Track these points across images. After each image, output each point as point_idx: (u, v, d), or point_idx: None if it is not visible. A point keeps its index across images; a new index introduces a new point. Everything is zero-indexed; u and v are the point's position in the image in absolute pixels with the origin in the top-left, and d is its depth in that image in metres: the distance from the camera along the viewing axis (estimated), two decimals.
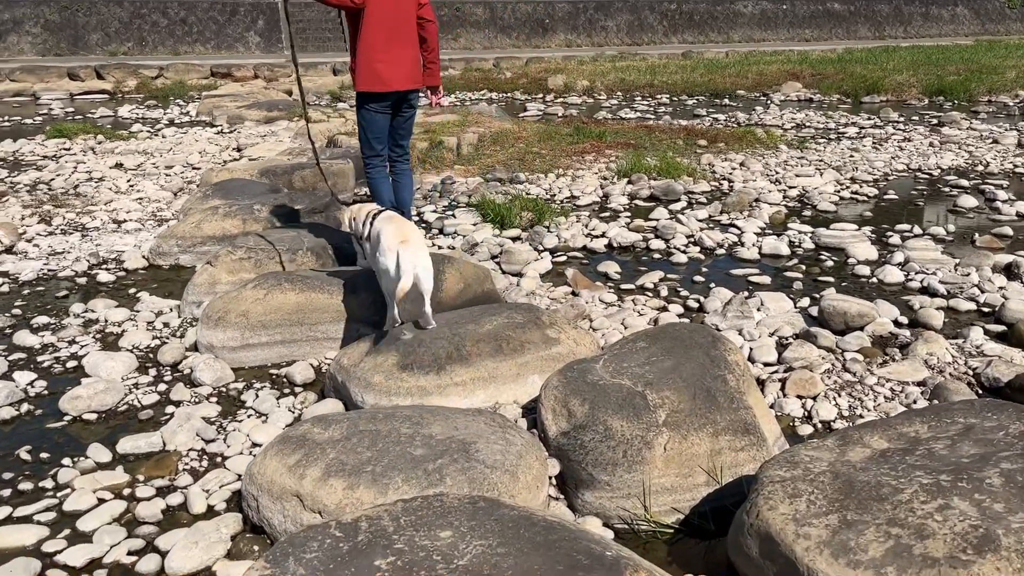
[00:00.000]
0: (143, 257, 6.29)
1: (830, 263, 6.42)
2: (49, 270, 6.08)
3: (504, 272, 6.30)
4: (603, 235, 7.33)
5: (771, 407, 4.10)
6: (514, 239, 7.19)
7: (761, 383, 4.34)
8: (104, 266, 6.22)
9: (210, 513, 3.15)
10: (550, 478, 3.25)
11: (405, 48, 4.99)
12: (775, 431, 3.62)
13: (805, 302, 5.54)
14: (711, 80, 19.07)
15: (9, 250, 6.55)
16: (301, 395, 4.09)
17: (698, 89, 18.37)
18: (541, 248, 6.92)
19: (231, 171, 8.08)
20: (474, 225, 7.55)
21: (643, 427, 3.17)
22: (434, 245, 7.00)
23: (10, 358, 4.53)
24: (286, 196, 6.86)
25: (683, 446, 3.17)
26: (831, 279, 6.03)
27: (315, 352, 4.52)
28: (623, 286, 5.99)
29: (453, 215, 7.90)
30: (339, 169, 8.29)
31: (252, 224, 6.33)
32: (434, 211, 8.15)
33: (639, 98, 17.74)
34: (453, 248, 6.88)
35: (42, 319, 5.11)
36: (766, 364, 4.59)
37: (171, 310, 5.25)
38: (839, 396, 4.15)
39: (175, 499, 3.22)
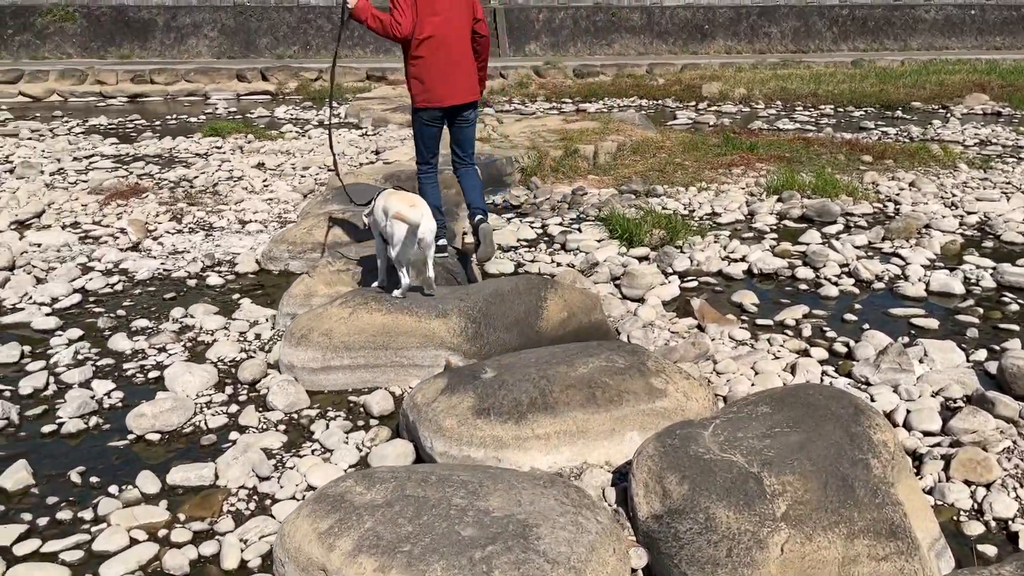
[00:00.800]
0: (255, 261, 6.13)
1: (1015, 307, 5.38)
2: (164, 270, 6.01)
3: (624, 296, 5.67)
4: (743, 259, 6.55)
5: (929, 493, 3.29)
6: (640, 259, 6.54)
7: (918, 459, 3.52)
8: (217, 268, 6.10)
9: (242, 570, 2.76)
10: (635, 571, 2.65)
11: (459, 64, 4.90)
12: (932, 531, 2.84)
13: (981, 355, 4.60)
14: (882, 90, 17.47)
15: (135, 247, 6.58)
16: (373, 430, 3.66)
17: (867, 100, 16.85)
18: (670, 271, 6.25)
19: (357, 175, 7.89)
20: (599, 241, 6.95)
21: (755, 520, 2.51)
22: (553, 262, 6.47)
23: (99, 363, 4.39)
24: None
25: (806, 548, 2.49)
26: (1016, 327, 5.02)
27: (399, 379, 4.10)
28: (759, 321, 5.23)
29: (579, 229, 7.34)
30: None
31: (364, 232, 6.03)
32: (559, 224, 7.61)
33: (800, 108, 16.47)
34: (572, 266, 6.32)
35: (141, 322, 4.98)
36: (926, 434, 3.75)
37: (267, 320, 4.99)
38: (1021, 487, 3.28)
39: (209, 548, 2.86)
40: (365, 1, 4.75)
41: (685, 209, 8.20)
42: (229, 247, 6.56)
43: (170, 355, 4.50)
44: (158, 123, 14.20)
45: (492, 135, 10.71)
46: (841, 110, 16.14)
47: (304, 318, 4.23)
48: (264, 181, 9.13)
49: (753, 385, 4.28)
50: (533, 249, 6.85)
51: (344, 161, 10.28)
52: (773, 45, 24.72)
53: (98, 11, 21.65)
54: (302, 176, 9.47)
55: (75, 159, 10.36)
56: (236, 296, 5.50)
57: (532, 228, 7.48)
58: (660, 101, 17.71)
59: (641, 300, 5.59)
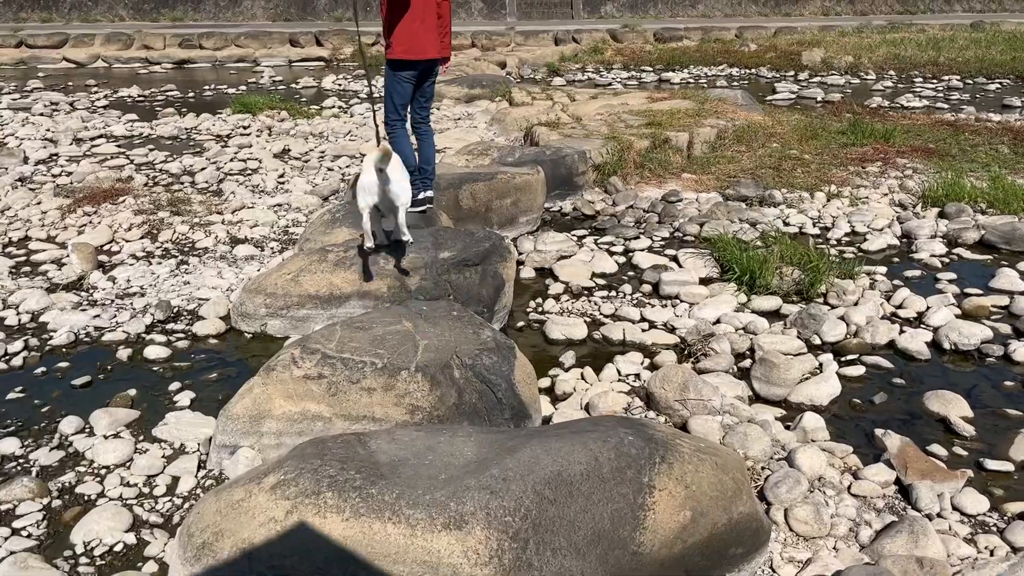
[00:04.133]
0: (221, 318, 4.23)
1: None
2: (96, 328, 4.15)
3: (757, 396, 3.59)
4: (919, 321, 4.38)
5: None
6: (769, 315, 4.43)
7: None
8: (170, 325, 4.21)
9: None
10: None
11: (431, 22, 5.05)
12: None
13: None
14: (1015, 58, 14.58)
15: (76, 285, 4.73)
16: None
17: (999, 70, 14.02)
18: (818, 341, 4.12)
19: None
20: (705, 284, 4.84)
21: None
22: (643, 320, 4.39)
23: None
24: (433, 234, 4.50)
25: None
26: None
27: None
28: (989, 463, 3.10)
29: (676, 260, 5.22)
30: (523, 182, 5.83)
31: (373, 281, 4.06)
32: (649, 248, 5.51)
33: (919, 80, 13.78)
34: (673, 330, 4.23)
35: (8, 444, 3.12)
36: None
37: (197, 448, 3.09)
38: None
39: None
40: None
41: (814, 226, 6.01)
42: (199, 287, 4.67)
43: (13, 532, 2.63)
44: (192, 95, 12.44)
45: (561, 117, 8.57)
46: (970, 82, 13.41)
47: (209, 508, 2.28)
48: (280, 176, 7.23)
49: None
50: (613, 293, 4.78)
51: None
52: (877, 5, 21.65)
53: None
54: (328, 170, 7.54)
55: (76, 141, 8.63)
56: (175, 386, 3.60)
57: (611, 255, 5.40)
58: (753, 70, 15.19)
59: (784, 404, 3.52)
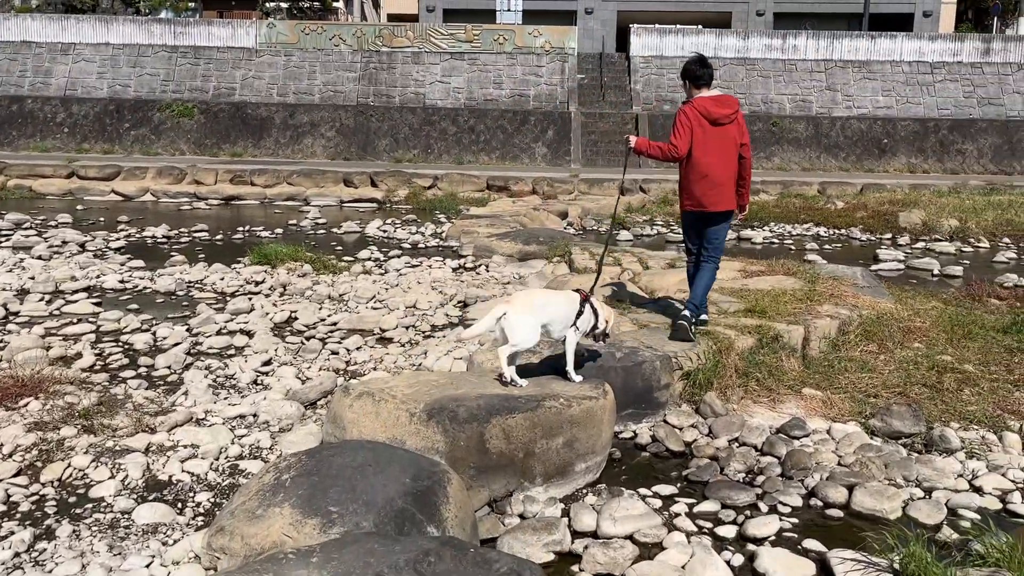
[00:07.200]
0: None
1: None
2: None
3: None
4: None
5: None
6: None
7: None
8: None
9: None
10: None
11: (719, 178, 5.19)
12: None
13: None
14: None
15: None
16: None
17: None
18: None
19: (377, 399, 3.91)
20: None
21: None
22: None
23: None
24: (418, 561, 2.46)
25: None
26: None
27: None
28: None
29: (828, 573, 3.08)
30: (582, 413, 3.80)
31: None
32: (778, 534, 3.38)
33: None
34: None
35: None
36: None
37: None
38: None
39: None
40: (643, 138, 5.37)
41: (1016, 487, 3.83)
42: None
43: None
44: (220, 238, 11.06)
45: (627, 303, 6.56)
46: None
47: None
48: (265, 364, 5.39)
49: None
50: None
51: (418, 319, 6.43)
52: (968, 164, 19.76)
53: (216, 107, 19.51)
54: (333, 353, 5.69)
55: (52, 295, 7.07)
56: None
57: (720, 545, 3.29)
58: (844, 231, 13.23)
59: None
